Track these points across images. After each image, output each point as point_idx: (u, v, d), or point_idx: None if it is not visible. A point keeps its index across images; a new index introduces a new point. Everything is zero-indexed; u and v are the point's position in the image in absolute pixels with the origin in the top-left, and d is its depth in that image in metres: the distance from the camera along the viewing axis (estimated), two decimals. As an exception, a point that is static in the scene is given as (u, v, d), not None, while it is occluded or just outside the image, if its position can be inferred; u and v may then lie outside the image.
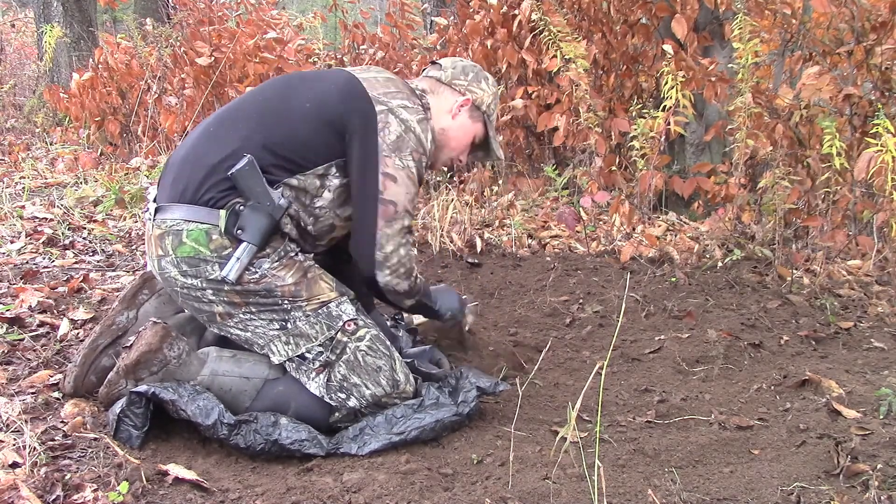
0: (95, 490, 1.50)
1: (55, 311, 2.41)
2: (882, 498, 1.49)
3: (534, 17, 3.54)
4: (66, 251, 3.09)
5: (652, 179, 3.27)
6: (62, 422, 1.78)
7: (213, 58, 4.82)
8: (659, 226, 3.57)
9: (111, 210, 3.69)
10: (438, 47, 4.93)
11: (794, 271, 2.83)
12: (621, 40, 4.07)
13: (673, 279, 2.86)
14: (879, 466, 1.59)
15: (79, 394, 1.89)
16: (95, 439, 1.72)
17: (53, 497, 1.47)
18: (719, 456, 1.74)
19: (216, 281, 1.78)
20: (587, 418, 1.96)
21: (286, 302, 1.81)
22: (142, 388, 1.73)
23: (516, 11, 4.01)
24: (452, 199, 3.41)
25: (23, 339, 2.19)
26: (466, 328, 2.28)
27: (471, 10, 4.41)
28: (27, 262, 2.87)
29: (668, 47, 3.21)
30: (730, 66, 3.32)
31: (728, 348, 2.32)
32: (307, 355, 1.82)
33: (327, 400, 1.83)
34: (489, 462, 1.71)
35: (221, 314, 1.83)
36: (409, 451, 1.76)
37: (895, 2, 2.95)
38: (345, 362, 1.83)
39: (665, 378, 2.20)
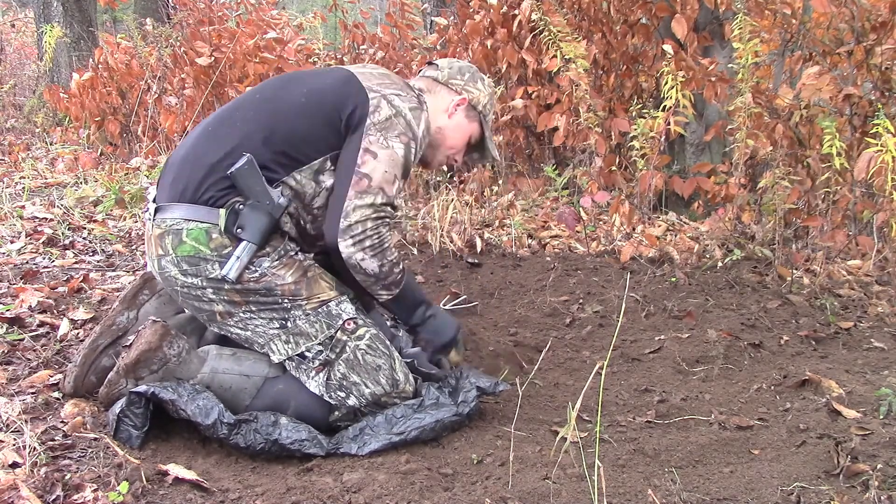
0: (95, 490, 1.50)
1: (55, 311, 2.41)
2: (882, 498, 1.49)
3: (534, 17, 3.54)
4: (66, 251, 3.09)
5: (652, 179, 3.27)
6: (62, 422, 1.78)
7: (213, 58, 4.82)
8: (659, 226, 3.57)
9: (111, 210, 3.69)
10: (438, 47, 4.93)
11: (794, 271, 2.83)
12: (621, 40, 4.07)
13: (673, 279, 2.86)
14: (879, 466, 1.59)
15: (79, 394, 1.89)
16: (95, 439, 1.72)
17: (53, 497, 1.47)
18: (719, 456, 1.74)
19: (216, 280, 1.79)
20: (587, 418, 1.96)
21: (286, 301, 1.81)
22: (141, 388, 1.73)
23: (516, 11, 4.01)
24: (452, 199, 3.41)
25: (23, 339, 2.19)
26: (450, 365, 2.08)
27: (471, 10, 4.41)
28: (27, 262, 2.87)
29: (668, 47, 3.21)
30: (730, 66, 3.32)
31: (728, 348, 2.32)
32: (307, 354, 1.82)
33: (327, 398, 1.83)
34: (489, 462, 1.71)
35: (221, 313, 1.83)
36: (409, 451, 1.76)
37: (895, 2, 2.95)
38: (344, 361, 1.83)
39: (665, 378, 2.20)
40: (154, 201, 1.89)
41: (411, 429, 1.79)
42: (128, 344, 1.82)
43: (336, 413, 1.85)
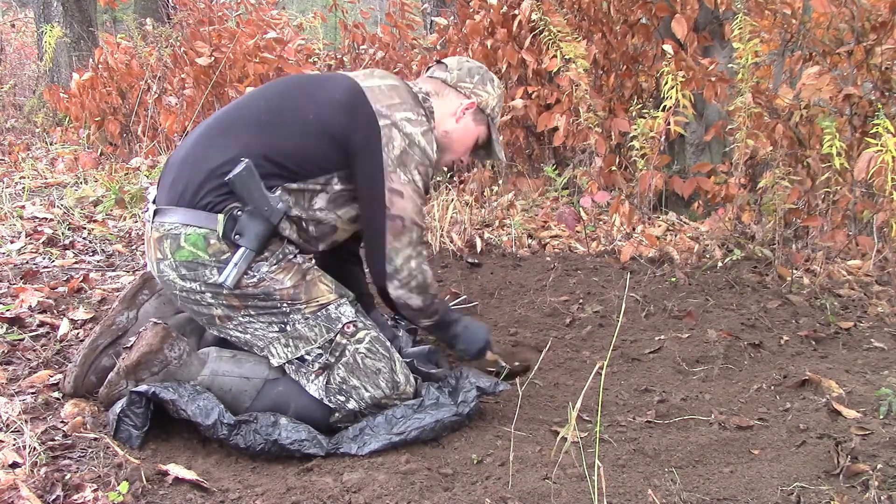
0: (95, 490, 1.50)
1: (55, 311, 2.41)
2: (882, 498, 1.49)
3: (534, 17, 3.54)
4: (66, 251, 3.09)
5: (652, 179, 3.27)
6: (62, 422, 1.78)
7: (213, 58, 4.82)
8: (659, 226, 3.57)
9: (111, 210, 3.69)
10: (438, 47, 4.93)
11: (794, 271, 2.83)
12: (621, 40, 4.07)
13: (673, 279, 2.86)
14: (879, 466, 1.59)
15: (79, 394, 1.90)
16: (95, 439, 1.72)
17: (53, 497, 1.47)
18: (719, 456, 1.74)
19: (215, 285, 1.78)
20: (587, 418, 1.96)
21: (285, 305, 1.81)
22: (142, 388, 1.73)
23: (516, 11, 4.01)
24: (452, 199, 3.41)
25: (23, 339, 2.20)
26: (503, 372, 2.12)
27: (471, 10, 4.41)
28: (27, 262, 2.87)
29: (668, 47, 3.21)
30: (730, 66, 3.32)
31: (728, 348, 2.32)
32: (306, 357, 1.82)
33: (327, 402, 1.83)
34: (489, 462, 1.71)
35: (220, 317, 1.83)
36: (409, 451, 1.76)
37: (895, 2, 2.95)
38: (344, 365, 1.83)
39: (665, 378, 2.20)
40: (154, 202, 1.89)
41: (411, 429, 1.79)
42: (128, 345, 1.82)
43: (336, 415, 1.85)
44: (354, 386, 1.83)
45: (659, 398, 2.06)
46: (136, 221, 3.54)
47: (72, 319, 2.35)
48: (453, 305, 2.71)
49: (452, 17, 4.83)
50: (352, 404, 1.83)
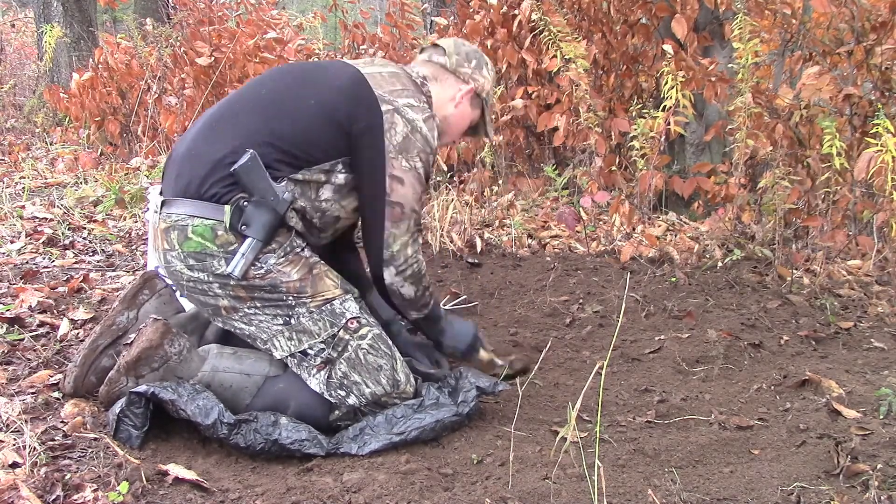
0: (95, 490, 1.50)
1: (55, 311, 2.42)
2: (882, 498, 1.49)
3: (534, 17, 3.54)
4: (66, 251, 3.09)
5: (652, 179, 3.27)
6: (62, 422, 1.78)
7: (213, 58, 4.82)
8: (659, 226, 3.57)
9: (111, 210, 3.69)
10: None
11: (794, 271, 2.83)
12: (621, 40, 4.07)
13: (673, 279, 2.86)
14: (879, 466, 1.59)
15: (79, 394, 1.89)
16: (95, 439, 1.72)
17: (53, 497, 1.47)
18: (719, 456, 1.74)
19: (223, 275, 1.79)
20: (587, 418, 1.96)
21: (291, 298, 1.81)
22: (141, 388, 1.73)
23: (516, 11, 4.01)
24: (452, 199, 3.41)
25: (23, 339, 2.20)
26: (502, 372, 2.12)
27: (471, 10, 4.41)
28: (27, 262, 2.87)
29: (668, 47, 3.21)
30: (730, 66, 3.32)
31: (728, 348, 2.32)
32: (309, 352, 1.83)
33: (327, 397, 1.83)
34: (489, 462, 1.71)
35: (226, 308, 1.83)
36: (409, 451, 1.76)
37: (895, 2, 2.95)
38: (346, 360, 1.83)
39: (665, 378, 2.20)
40: (161, 193, 1.89)
41: (412, 429, 1.79)
42: (129, 342, 1.82)
43: (336, 412, 1.85)
44: (355, 381, 1.83)
45: (659, 398, 2.06)
46: (137, 221, 3.55)
47: (72, 319, 2.35)
48: (453, 305, 2.71)
49: (452, 17, 4.83)
50: (352, 399, 1.83)
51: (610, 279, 2.93)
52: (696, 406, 2.01)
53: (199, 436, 1.77)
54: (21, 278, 2.68)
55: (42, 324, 2.32)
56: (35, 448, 1.62)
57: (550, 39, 3.44)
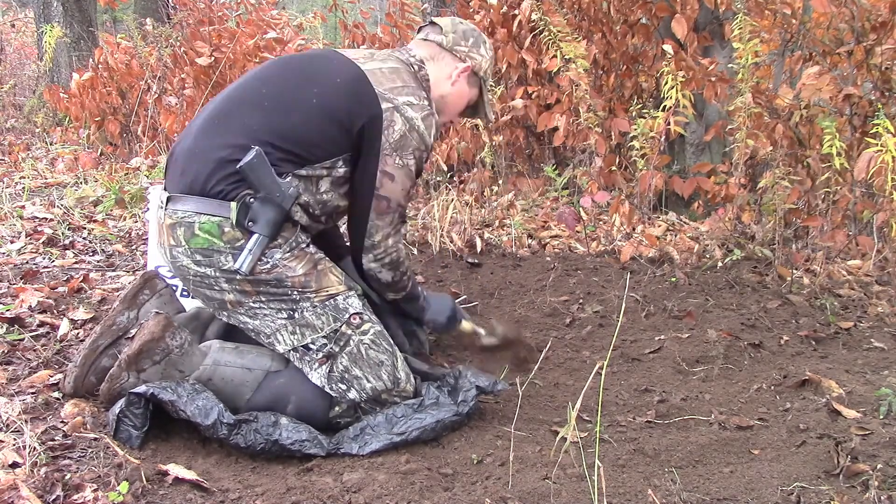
0: (95, 490, 1.50)
1: (55, 311, 2.41)
2: (882, 498, 1.49)
3: (534, 17, 3.54)
4: (66, 251, 3.09)
5: (652, 179, 3.27)
6: (62, 422, 1.78)
7: (213, 58, 4.82)
8: (659, 226, 3.57)
9: (111, 210, 3.69)
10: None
11: (794, 271, 2.83)
12: (621, 40, 4.07)
13: (673, 279, 2.86)
14: (879, 466, 1.59)
15: (79, 394, 1.89)
16: (95, 439, 1.72)
17: (53, 497, 1.47)
18: (719, 456, 1.74)
19: (229, 271, 1.80)
20: (587, 418, 1.96)
21: (295, 292, 1.82)
22: (141, 388, 1.73)
23: (516, 11, 4.01)
24: (452, 199, 3.41)
25: (23, 339, 2.20)
26: (480, 343, 2.26)
27: (471, 10, 4.41)
28: (27, 262, 2.87)
29: (668, 47, 3.21)
30: (730, 66, 3.32)
31: (728, 348, 2.32)
32: (311, 346, 1.84)
33: (328, 390, 1.84)
34: (489, 462, 1.71)
35: (232, 302, 1.84)
36: (409, 451, 1.76)
37: (895, 2, 2.95)
38: (347, 354, 1.84)
39: (665, 378, 2.20)
40: (165, 189, 1.90)
41: (412, 429, 1.79)
42: (130, 336, 1.83)
43: (336, 409, 1.85)
44: (356, 376, 1.84)
45: (659, 398, 2.06)
46: (137, 221, 3.54)
47: (72, 319, 2.35)
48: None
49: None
50: (352, 394, 1.84)
51: (610, 279, 2.93)
52: (696, 406, 2.01)
53: (199, 436, 1.78)
54: (21, 278, 2.68)
55: (42, 324, 2.32)
56: (35, 448, 1.62)
57: (550, 39, 3.44)
